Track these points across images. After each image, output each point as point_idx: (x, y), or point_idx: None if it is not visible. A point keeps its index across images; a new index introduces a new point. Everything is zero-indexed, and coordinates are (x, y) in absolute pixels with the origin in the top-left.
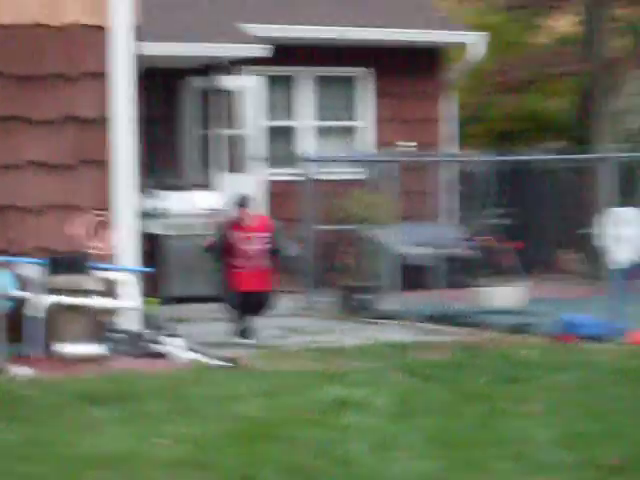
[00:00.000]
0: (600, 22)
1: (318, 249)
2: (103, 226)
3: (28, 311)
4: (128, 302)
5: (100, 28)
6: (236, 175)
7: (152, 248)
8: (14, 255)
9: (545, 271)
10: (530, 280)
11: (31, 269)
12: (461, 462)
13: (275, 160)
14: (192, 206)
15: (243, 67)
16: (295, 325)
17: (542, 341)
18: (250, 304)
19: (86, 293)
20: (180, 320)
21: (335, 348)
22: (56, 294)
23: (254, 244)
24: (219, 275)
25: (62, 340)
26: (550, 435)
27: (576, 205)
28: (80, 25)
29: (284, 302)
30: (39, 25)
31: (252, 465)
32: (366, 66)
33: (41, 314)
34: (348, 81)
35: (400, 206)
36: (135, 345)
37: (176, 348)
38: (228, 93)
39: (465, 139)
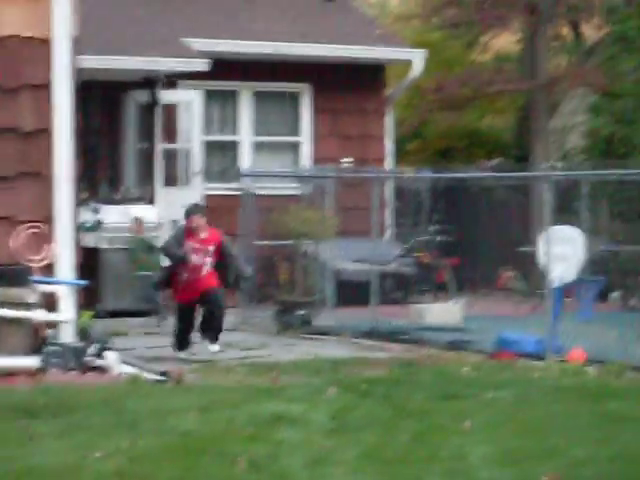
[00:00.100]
0: (540, 40)
1: (256, 264)
2: (41, 238)
3: None
4: (64, 315)
5: (40, 40)
6: (174, 189)
7: (89, 261)
8: None
9: (484, 288)
10: (467, 297)
11: None
12: (396, 478)
13: (213, 175)
14: (129, 219)
15: (183, 81)
16: (231, 340)
17: (479, 358)
18: (196, 312)
19: (26, 306)
20: (115, 333)
21: (271, 363)
22: None
23: (203, 256)
24: (156, 288)
25: None
26: (485, 452)
27: (515, 223)
28: (20, 37)
29: None
30: None
31: (187, 479)
32: (307, 82)
33: None
34: (288, 96)
35: (337, 222)
36: (70, 358)
37: (111, 362)
38: (167, 107)
39: (403, 156)
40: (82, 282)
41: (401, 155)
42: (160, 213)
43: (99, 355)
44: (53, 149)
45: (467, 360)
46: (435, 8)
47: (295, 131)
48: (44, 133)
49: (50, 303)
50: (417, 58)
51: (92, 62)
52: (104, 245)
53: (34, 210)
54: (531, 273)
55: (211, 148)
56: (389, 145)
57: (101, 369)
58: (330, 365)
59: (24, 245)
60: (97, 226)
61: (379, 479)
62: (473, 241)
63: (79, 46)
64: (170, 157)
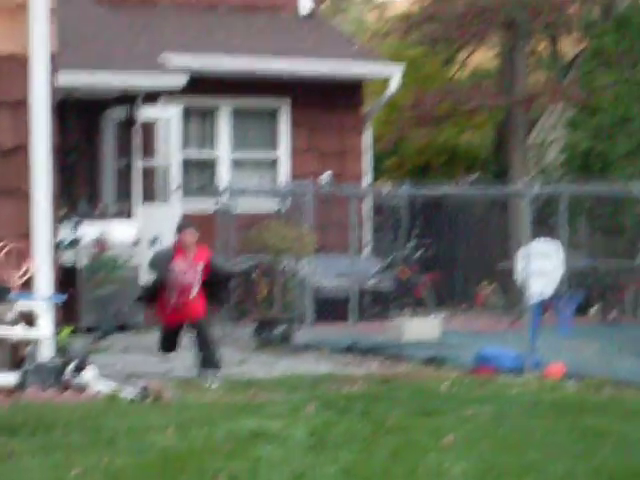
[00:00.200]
0: (518, 56)
1: (234, 280)
2: (19, 255)
3: None
4: (42, 332)
5: (17, 57)
6: (153, 205)
7: (67, 278)
8: None
9: (463, 303)
10: (446, 312)
11: None
12: None
13: (191, 191)
14: (108, 236)
15: (162, 98)
16: None
17: (458, 373)
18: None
19: (4, 323)
20: (94, 350)
21: (250, 380)
22: None
23: (193, 275)
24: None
25: None
26: (465, 468)
27: (493, 238)
28: None
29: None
30: None
31: None
32: (284, 97)
33: None
34: (266, 112)
35: (316, 238)
36: (49, 376)
37: (90, 379)
38: (146, 123)
39: (381, 172)
40: (60, 297)
41: (380, 171)
42: (139, 229)
43: (78, 372)
44: (31, 166)
45: (446, 375)
46: (414, 24)
47: (273, 147)
48: (22, 150)
49: (29, 320)
50: (395, 73)
51: (70, 78)
52: (83, 262)
53: (12, 227)
54: (510, 288)
55: (190, 165)
56: (367, 161)
57: (80, 386)
58: (309, 381)
59: (2, 262)
60: (75, 243)
61: None
62: (452, 256)
63: (57, 62)
64: (148, 174)
